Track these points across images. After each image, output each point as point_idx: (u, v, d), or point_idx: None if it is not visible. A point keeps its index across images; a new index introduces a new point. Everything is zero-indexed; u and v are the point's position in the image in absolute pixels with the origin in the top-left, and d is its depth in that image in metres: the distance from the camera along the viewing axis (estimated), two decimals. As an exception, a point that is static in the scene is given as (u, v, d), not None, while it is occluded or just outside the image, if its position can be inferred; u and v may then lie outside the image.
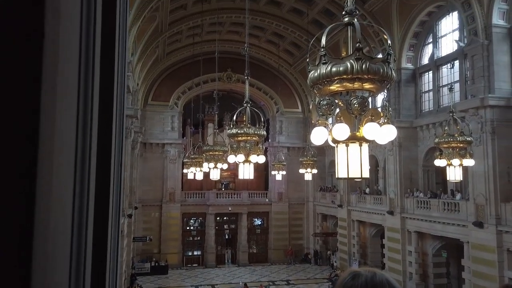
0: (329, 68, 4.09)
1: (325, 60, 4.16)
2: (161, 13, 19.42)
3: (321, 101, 4.26)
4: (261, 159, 8.56)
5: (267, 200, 30.22)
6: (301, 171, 18.11)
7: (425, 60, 20.41)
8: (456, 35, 18.12)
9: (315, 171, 18.07)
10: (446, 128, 10.87)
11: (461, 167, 10.31)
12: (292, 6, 22.47)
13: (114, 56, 0.96)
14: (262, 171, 29.54)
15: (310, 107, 28.24)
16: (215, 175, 13.26)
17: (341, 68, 4.05)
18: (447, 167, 10.38)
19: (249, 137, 8.25)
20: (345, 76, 4.06)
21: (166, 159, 28.30)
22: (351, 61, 4.01)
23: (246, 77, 9.37)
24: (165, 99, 28.60)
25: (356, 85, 4.16)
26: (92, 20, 0.77)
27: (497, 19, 15.04)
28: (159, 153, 28.31)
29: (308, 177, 18.50)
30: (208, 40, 25.20)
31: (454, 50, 18.30)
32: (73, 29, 0.69)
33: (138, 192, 25.85)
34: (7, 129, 0.56)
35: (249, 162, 8.36)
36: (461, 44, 16.95)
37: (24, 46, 0.57)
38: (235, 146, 8.50)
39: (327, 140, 4.28)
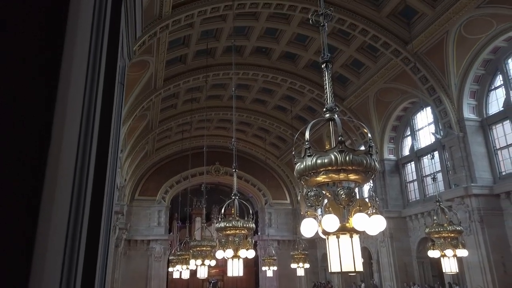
0: (314, 160, 4.23)
1: (310, 152, 4.32)
2: (152, 112, 20.33)
3: (308, 192, 4.31)
4: (251, 253, 8.25)
5: (257, 299, 28.28)
6: (293, 265, 17.34)
7: (406, 152, 21.21)
8: (432, 128, 19.17)
9: (307, 265, 17.33)
10: (435, 217, 10.86)
11: (455, 258, 10.07)
12: (277, 103, 23.90)
13: (107, 164, 1.02)
14: (252, 266, 28.17)
15: (298, 198, 28.22)
16: (202, 273, 12.57)
17: (326, 160, 4.18)
18: (442, 258, 10.13)
19: (237, 231, 8.06)
20: (330, 168, 4.18)
21: (151, 256, 26.95)
22: (335, 153, 4.17)
23: (234, 170, 9.50)
24: (153, 193, 28.35)
25: (342, 176, 4.27)
26: (89, 141, 0.83)
27: (468, 114, 16.13)
28: (144, 250, 27.05)
29: (300, 272, 17.66)
30: (197, 135, 26.08)
31: (432, 142, 19.19)
32: (71, 156, 0.75)
33: (118, 294, 23.99)
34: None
35: (238, 257, 8.05)
36: (438, 136, 17.85)
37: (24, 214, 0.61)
38: (223, 240, 8.26)
39: (317, 232, 4.23)
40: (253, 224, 8.44)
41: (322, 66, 5.23)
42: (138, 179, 28.22)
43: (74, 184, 0.73)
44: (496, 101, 16.03)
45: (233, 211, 8.25)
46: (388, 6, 15.15)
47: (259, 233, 28.59)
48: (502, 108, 15.60)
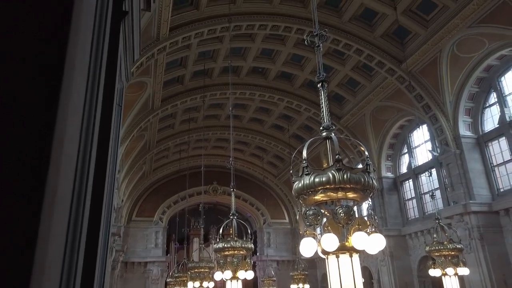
0: (312, 179, 4.23)
1: (307, 171, 4.32)
2: (149, 132, 20.37)
3: (307, 211, 4.30)
4: (250, 274, 8.13)
5: (257, 322, 27.64)
6: (293, 286, 17.06)
7: (404, 169, 21.21)
8: (429, 145, 19.24)
9: (307, 286, 17.07)
10: (435, 235, 10.79)
11: (456, 276, 9.96)
12: (274, 122, 24.02)
13: (105, 180, 1.02)
14: (251, 287, 27.67)
15: (297, 217, 27.99)
16: (200, 295, 12.34)
17: (323, 179, 4.19)
18: (443, 277, 10.02)
19: (236, 251, 7.97)
20: (328, 186, 4.18)
21: (148, 279, 26.45)
22: (332, 171, 4.18)
23: (232, 189, 9.46)
24: (150, 214, 28.07)
25: (340, 194, 4.26)
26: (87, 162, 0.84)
27: (463, 131, 16.24)
28: (141, 272, 26.58)
29: (300, 293, 17.36)
30: (194, 155, 26.05)
31: (429, 159, 19.22)
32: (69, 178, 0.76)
33: (114, 318, 23.43)
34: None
35: (237, 278, 7.93)
36: (435, 153, 17.90)
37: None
38: (221, 261, 8.15)
39: (317, 252, 4.19)
40: (252, 244, 8.36)
41: (318, 85, 5.30)
42: (136, 200, 28.00)
43: (71, 206, 0.73)
44: (491, 118, 16.17)
45: (231, 231, 8.18)
46: (382, 26, 15.45)
47: (257, 254, 28.21)
48: (498, 125, 15.73)
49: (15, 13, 0.59)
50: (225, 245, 7.93)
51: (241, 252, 8.03)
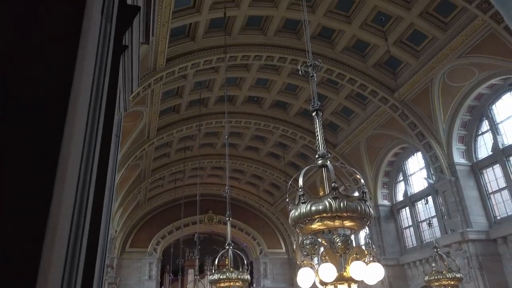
0: (308, 207, 4.21)
1: (304, 199, 4.31)
2: (144, 161, 20.31)
3: (304, 240, 4.25)
4: (246, 307, 7.91)
5: None
6: (290, 320, 16.56)
7: (400, 197, 21.13)
8: (424, 172, 19.28)
9: (304, 319, 16.57)
10: (434, 265, 10.65)
11: (457, 306, 9.75)
12: (269, 150, 24.09)
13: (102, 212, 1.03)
14: (246, 322, 26.80)
15: (294, 246, 27.57)
16: (194, 330, 11.92)
17: (320, 207, 4.17)
18: (443, 307, 9.80)
19: (232, 283, 7.79)
20: (325, 215, 4.16)
21: (141, 313, 25.62)
22: (329, 199, 4.17)
23: (227, 219, 9.36)
24: (144, 245, 27.51)
25: (337, 223, 4.23)
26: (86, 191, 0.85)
27: (458, 158, 16.35)
28: (134, 306, 25.76)
29: (297, 327, 16.84)
30: (190, 184, 25.88)
31: (425, 187, 19.21)
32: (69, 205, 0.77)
33: None
34: None
35: (233, 311, 7.70)
36: (430, 181, 17.92)
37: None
38: (217, 293, 7.94)
39: (314, 283, 4.11)
40: (248, 275, 8.18)
41: (313, 114, 5.37)
42: (129, 230, 27.50)
43: (70, 237, 0.73)
44: (484, 146, 16.33)
45: (227, 262, 8.02)
46: (374, 57, 15.85)
47: (254, 285, 27.53)
48: (491, 152, 15.86)
49: (28, 52, 0.62)
50: (221, 277, 7.76)
51: (237, 284, 7.85)
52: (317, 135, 5.11)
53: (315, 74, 5.80)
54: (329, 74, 16.50)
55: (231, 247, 8.16)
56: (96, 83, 0.88)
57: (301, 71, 5.86)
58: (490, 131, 16.02)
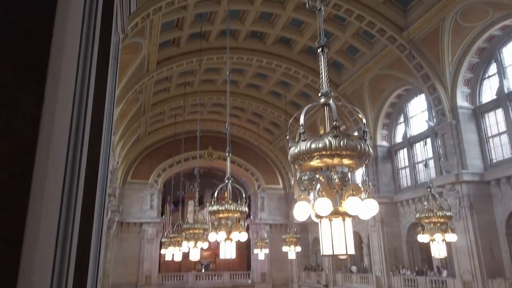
0: (308, 145, 4.22)
1: (304, 137, 4.31)
2: (144, 95, 20.11)
3: (302, 176, 4.32)
4: (243, 236, 8.31)
5: (249, 281, 28.69)
6: (285, 249, 17.56)
7: (399, 138, 21.32)
8: (426, 115, 19.25)
9: (299, 248, 17.56)
10: (426, 203, 11.00)
11: (444, 242, 10.25)
12: (271, 89, 23.78)
13: (100, 143, 1.00)
14: (244, 249, 28.48)
15: (292, 182, 28.41)
16: (195, 255, 12.67)
17: (320, 145, 4.18)
18: (431, 243, 10.30)
19: (230, 214, 8.11)
20: (324, 152, 4.18)
21: (143, 239, 27.10)
22: (329, 138, 4.17)
23: (227, 155, 9.48)
24: (145, 176, 28.30)
25: (336, 161, 4.27)
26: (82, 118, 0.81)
27: (461, 101, 16.21)
28: (136, 233, 27.18)
29: (292, 255, 17.91)
30: (190, 119, 25.90)
31: (425, 129, 19.30)
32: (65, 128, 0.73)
33: (112, 275, 24.18)
34: None
35: (231, 239, 8.11)
36: (431, 123, 17.95)
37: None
38: (216, 223, 8.29)
39: (310, 216, 4.26)
40: (246, 208, 8.48)
41: (318, 50, 5.19)
42: (131, 162, 28.11)
43: (67, 164, 0.71)
44: (489, 89, 16.10)
45: (226, 195, 8.27)
46: (385, -9, 14.99)
47: (251, 217, 28.81)
48: (495, 97, 15.69)
49: None
50: (220, 208, 8.05)
51: (235, 215, 8.17)
52: (321, 72, 4.97)
53: (322, 8, 5.50)
54: (337, 10, 15.73)
55: (230, 181, 8.36)
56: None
57: (308, 4, 5.55)
58: (497, 75, 15.71)
